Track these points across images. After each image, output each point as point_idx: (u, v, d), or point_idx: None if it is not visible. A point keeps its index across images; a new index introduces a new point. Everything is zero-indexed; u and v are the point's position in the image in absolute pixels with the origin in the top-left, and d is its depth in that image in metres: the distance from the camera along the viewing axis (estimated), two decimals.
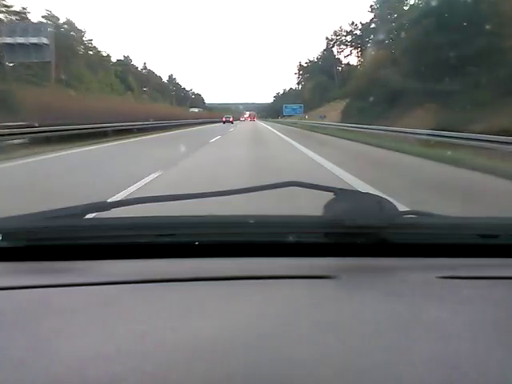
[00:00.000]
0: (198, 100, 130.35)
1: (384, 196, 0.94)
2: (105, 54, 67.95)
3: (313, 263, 0.87)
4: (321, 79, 72.59)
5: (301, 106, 58.94)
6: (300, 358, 0.51)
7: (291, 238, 0.89)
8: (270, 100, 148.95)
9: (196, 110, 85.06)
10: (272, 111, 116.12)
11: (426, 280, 0.77)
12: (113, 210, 0.92)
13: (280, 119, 71.94)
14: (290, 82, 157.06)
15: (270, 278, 0.78)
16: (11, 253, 0.88)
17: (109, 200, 0.98)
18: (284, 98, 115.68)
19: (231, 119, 58.90)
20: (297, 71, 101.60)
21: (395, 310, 0.66)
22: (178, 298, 0.70)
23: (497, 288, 0.76)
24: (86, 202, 0.94)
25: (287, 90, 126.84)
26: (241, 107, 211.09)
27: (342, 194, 0.89)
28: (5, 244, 0.88)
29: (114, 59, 78.72)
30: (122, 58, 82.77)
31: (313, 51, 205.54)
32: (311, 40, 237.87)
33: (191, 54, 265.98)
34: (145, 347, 0.54)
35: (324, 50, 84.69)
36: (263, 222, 0.96)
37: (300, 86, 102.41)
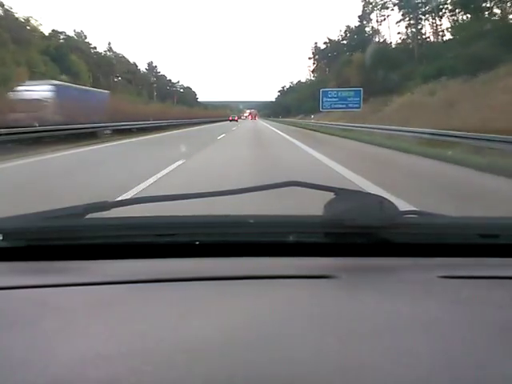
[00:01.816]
0: (188, 95, 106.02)
1: None
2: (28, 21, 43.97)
3: (313, 263, 0.87)
4: (385, 49, 46.50)
5: (358, 92, 29.93)
6: (300, 358, 0.51)
7: (291, 238, 0.89)
8: (272, 97, 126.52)
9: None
10: (279, 108, 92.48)
11: (427, 280, 0.77)
12: (113, 209, 0.93)
13: (312, 120, 38.92)
14: (296, 76, 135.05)
15: (270, 278, 0.78)
16: (12, 253, 0.88)
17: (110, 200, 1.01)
18: (291, 92, 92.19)
19: (236, 118, 73.96)
20: (311, 55, 77.51)
21: (395, 309, 0.66)
22: (178, 298, 0.70)
23: (497, 288, 0.76)
24: None
25: (295, 83, 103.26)
26: (241, 106, 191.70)
27: (343, 193, 0.88)
28: (5, 244, 0.88)
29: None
30: (71, 33, 58.61)
31: (322, 38, 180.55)
32: (318, 28, 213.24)
33: (185, 50, 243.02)
34: (145, 347, 0.54)
35: (359, 17, 60.12)
36: (263, 222, 0.96)
37: (314, 75, 78.14)
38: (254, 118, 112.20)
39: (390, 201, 0.87)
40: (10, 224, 0.93)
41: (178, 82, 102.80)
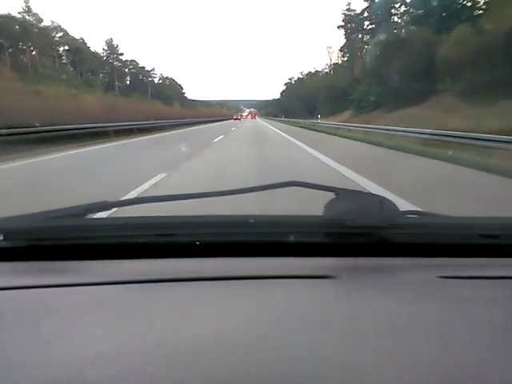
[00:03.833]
0: (170, 89, 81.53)
1: None
2: None
3: (313, 263, 0.87)
4: None
5: None
6: (300, 358, 0.51)
7: (291, 238, 0.89)
8: (271, 96, 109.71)
9: None
10: (290, 106, 67.57)
11: (427, 280, 0.77)
12: (113, 209, 0.94)
13: None
14: (303, 67, 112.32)
15: (270, 278, 0.78)
16: (12, 253, 0.88)
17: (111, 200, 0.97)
18: (303, 85, 67.71)
19: (239, 117, 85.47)
20: (341, 24, 52.94)
21: (395, 309, 0.66)
22: (178, 298, 0.71)
23: (497, 288, 0.76)
24: None
25: (305, 73, 79.19)
26: (241, 105, 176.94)
27: (343, 193, 0.88)
28: (6, 244, 0.88)
29: None
30: None
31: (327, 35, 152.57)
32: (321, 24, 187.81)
33: (173, 43, 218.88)
34: (145, 347, 0.54)
35: None
36: (263, 222, 0.97)
37: (345, 56, 53.73)
38: (253, 117, 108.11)
39: (390, 201, 0.86)
40: (11, 224, 0.92)
41: (153, 69, 78.03)
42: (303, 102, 59.83)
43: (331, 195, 0.87)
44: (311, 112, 49.97)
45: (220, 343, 0.54)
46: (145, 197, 1.01)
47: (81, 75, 53.73)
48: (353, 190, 0.91)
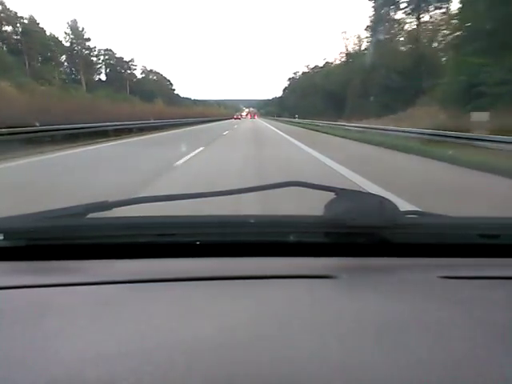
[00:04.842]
0: (157, 85, 69.00)
1: None
2: None
3: (313, 263, 0.87)
4: None
5: None
6: (300, 358, 0.51)
7: (292, 238, 0.89)
8: (273, 95, 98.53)
9: None
10: (300, 106, 55.04)
11: (427, 280, 0.77)
12: (113, 209, 0.94)
13: None
14: (304, 63, 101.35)
15: (271, 278, 0.78)
16: (12, 252, 0.88)
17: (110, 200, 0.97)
18: (308, 80, 55.21)
19: (239, 116, 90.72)
20: None
21: (396, 309, 0.66)
22: (178, 298, 0.71)
23: (497, 288, 0.76)
24: None
25: (311, 67, 67.08)
26: (241, 105, 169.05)
27: (343, 193, 0.88)
28: (6, 243, 0.88)
29: None
30: None
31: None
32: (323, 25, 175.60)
33: (177, 46, 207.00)
34: (145, 347, 0.54)
35: None
36: (263, 222, 0.97)
37: (368, 38, 41.40)
38: (252, 116, 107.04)
39: (390, 201, 0.87)
40: (11, 223, 0.92)
41: (132, 60, 65.07)
42: (321, 97, 46.92)
43: (331, 195, 0.87)
44: (337, 110, 36.96)
45: (220, 343, 0.54)
46: (145, 197, 0.99)
47: (28, 64, 41.31)
48: (353, 190, 0.90)
